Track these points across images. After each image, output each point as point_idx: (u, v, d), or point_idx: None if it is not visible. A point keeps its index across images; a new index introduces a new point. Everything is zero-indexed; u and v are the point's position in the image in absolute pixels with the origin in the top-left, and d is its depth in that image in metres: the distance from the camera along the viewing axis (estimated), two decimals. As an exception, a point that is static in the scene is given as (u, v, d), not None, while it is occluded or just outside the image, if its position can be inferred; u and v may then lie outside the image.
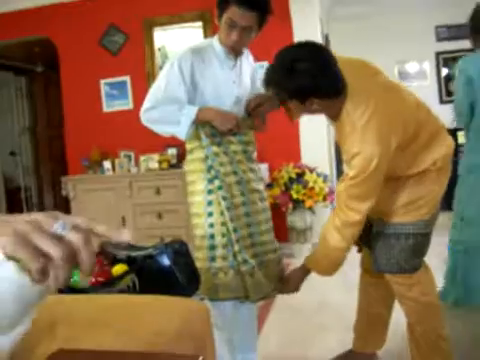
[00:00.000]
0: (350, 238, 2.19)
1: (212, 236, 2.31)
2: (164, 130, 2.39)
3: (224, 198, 2.30)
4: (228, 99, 2.39)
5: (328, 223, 2.24)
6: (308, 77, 1.95)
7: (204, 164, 2.35)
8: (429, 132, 2.17)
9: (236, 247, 2.30)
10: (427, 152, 2.17)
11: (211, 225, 2.32)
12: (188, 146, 2.42)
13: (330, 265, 2.30)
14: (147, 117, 2.34)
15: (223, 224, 2.31)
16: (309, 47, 2.04)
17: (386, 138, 2.02)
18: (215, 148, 2.34)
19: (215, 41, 2.40)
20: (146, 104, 2.34)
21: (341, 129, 2.14)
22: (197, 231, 2.37)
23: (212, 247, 2.31)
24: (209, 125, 2.32)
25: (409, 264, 2.24)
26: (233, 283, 2.31)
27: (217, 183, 2.32)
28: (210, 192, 2.33)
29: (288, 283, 2.42)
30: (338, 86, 2.02)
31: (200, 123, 2.31)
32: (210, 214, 2.32)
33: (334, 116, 2.16)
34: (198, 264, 2.37)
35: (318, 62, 1.97)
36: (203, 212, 2.34)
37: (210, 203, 2.33)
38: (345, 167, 2.17)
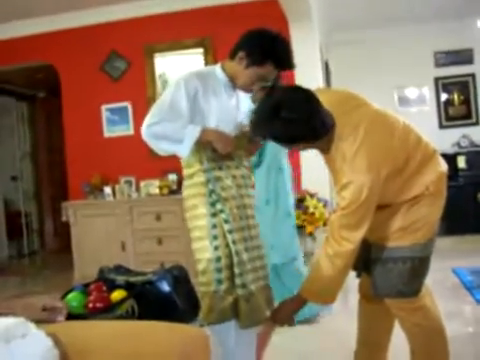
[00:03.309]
0: (343, 268, 2.17)
1: (218, 259, 2.31)
2: (165, 147, 2.37)
3: (226, 221, 2.31)
4: (230, 124, 2.41)
5: (321, 252, 2.23)
6: (294, 126, 1.99)
7: (205, 188, 2.36)
8: (420, 158, 2.17)
9: (237, 270, 2.30)
10: (419, 177, 2.16)
11: (216, 248, 2.31)
12: (187, 171, 2.43)
13: (326, 294, 2.27)
14: (150, 132, 2.31)
15: (226, 246, 2.31)
16: (294, 93, 2.08)
17: (376, 167, 2.03)
18: (217, 172, 2.36)
19: (218, 69, 2.43)
20: (150, 119, 2.32)
21: (331, 162, 2.17)
22: (201, 255, 2.36)
23: (219, 270, 2.30)
24: (210, 149, 2.33)
25: (408, 288, 2.21)
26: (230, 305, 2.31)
27: (219, 206, 2.33)
28: (213, 215, 2.33)
29: (279, 313, 2.37)
30: (324, 130, 2.06)
31: (202, 144, 2.31)
32: (215, 237, 2.32)
33: (324, 150, 2.19)
34: (202, 289, 2.36)
35: (303, 111, 2.00)
36: (208, 235, 2.33)
37: (214, 226, 2.33)
38: (337, 198, 2.16)
